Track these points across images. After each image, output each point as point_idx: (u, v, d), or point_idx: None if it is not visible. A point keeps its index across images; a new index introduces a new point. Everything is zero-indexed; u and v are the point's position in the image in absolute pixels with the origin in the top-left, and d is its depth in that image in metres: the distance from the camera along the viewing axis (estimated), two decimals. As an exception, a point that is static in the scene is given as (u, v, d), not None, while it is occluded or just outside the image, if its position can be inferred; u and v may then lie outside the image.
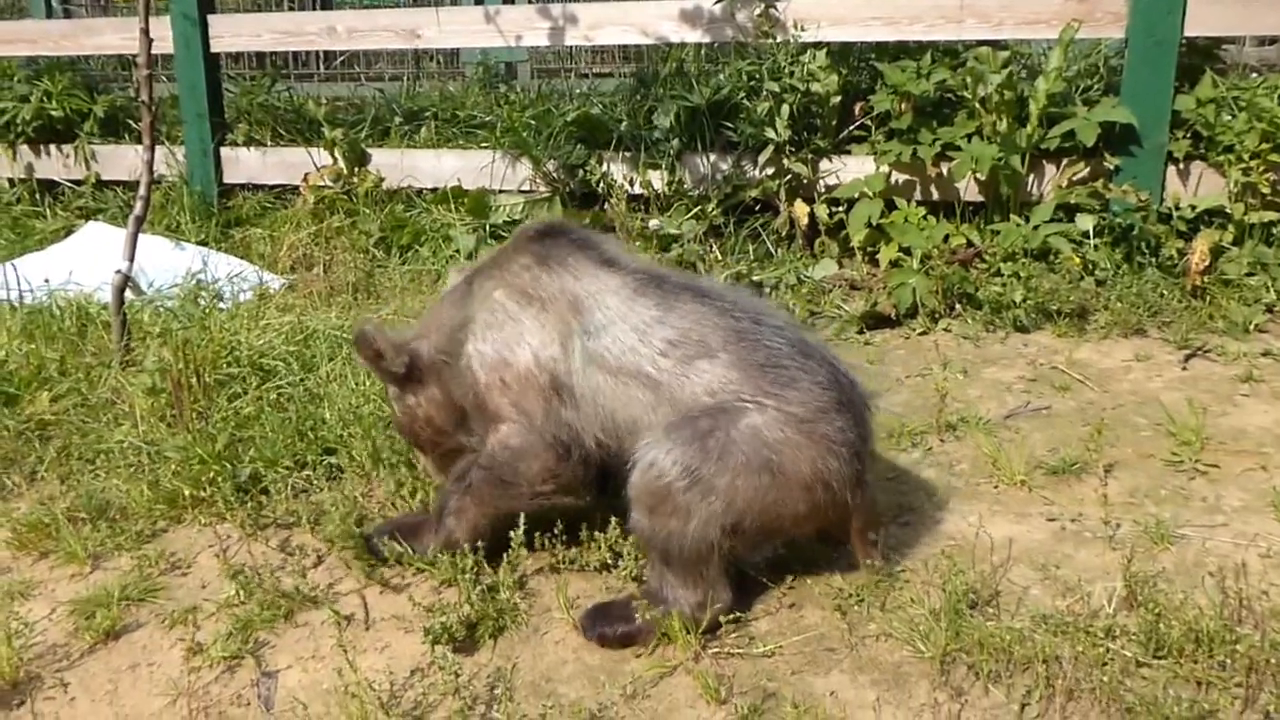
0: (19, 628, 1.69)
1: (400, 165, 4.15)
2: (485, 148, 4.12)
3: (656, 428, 1.66)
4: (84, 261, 3.64)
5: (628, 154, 3.85)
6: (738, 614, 1.65)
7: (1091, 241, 3.17)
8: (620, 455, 1.72)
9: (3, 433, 2.36)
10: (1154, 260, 3.14)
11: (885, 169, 3.48)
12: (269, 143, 4.45)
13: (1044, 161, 3.41)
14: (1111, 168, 3.30)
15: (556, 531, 1.84)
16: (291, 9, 7.39)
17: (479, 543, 1.78)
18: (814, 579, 1.80)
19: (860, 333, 3.04)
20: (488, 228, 3.83)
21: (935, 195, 3.53)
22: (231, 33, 4.37)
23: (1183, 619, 1.55)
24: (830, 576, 1.79)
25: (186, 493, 2.11)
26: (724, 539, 1.60)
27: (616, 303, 1.72)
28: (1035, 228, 3.17)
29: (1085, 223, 3.19)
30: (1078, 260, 3.07)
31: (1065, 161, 3.36)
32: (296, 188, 4.25)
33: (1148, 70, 3.25)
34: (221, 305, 3.23)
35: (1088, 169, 3.34)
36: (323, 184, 4.14)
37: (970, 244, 3.26)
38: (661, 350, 1.67)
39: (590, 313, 1.73)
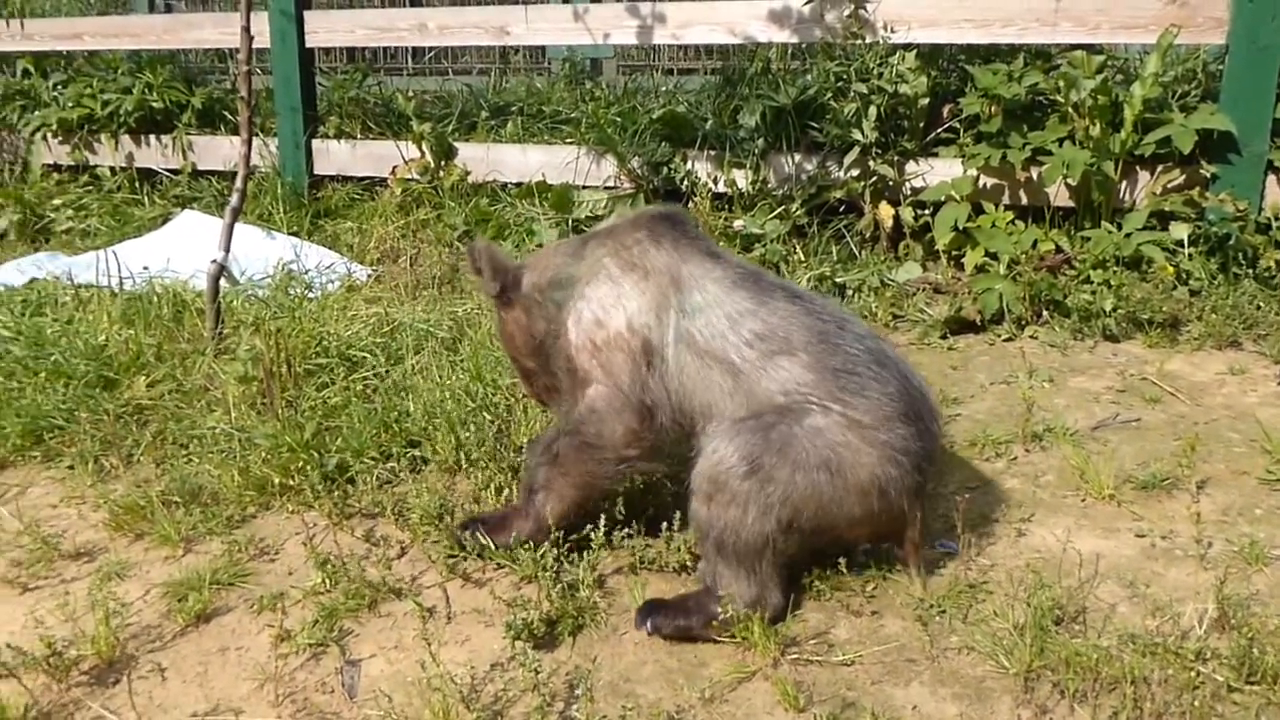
0: (116, 608, 1.75)
1: (486, 159, 4.21)
2: (570, 143, 4.15)
3: (727, 419, 1.69)
4: (179, 249, 3.77)
5: (712, 152, 3.84)
6: (820, 631, 1.65)
7: (1186, 251, 3.07)
8: (690, 439, 1.77)
9: (102, 416, 2.44)
10: (1251, 271, 3.03)
11: (973, 172, 3.41)
12: (359, 136, 4.55)
13: (1138, 168, 3.31)
14: (1208, 176, 3.19)
15: (636, 531, 1.86)
16: (383, 5, 7.54)
17: (562, 532, 1.81)
18: (895, 588, 1.77)
19: (943, 338, 2.98)
20: (571, 223, 3.86)
21: (1024, 200, 3.45)
22: (326, 28, 4.49)
23: (1277, 644, 1.50)
24: (911, 585, 1.77)
25: (275, 480, 2.16)
26: (778, 533, 1.62)
27: (715, 289, 1.76)
28: (1128, 235, 3.08)
29: (1180, 231, 3.08)
30: (1171, 269, 2.98)
31: (1160, 168, 3.26)
32: (384, 180, 4.34)
33: (1249, 77, 3.13)
34: (311, 295, 3.31)
35: (1183, 176, 3.23)
36: (410, 177, 4.22)
37: (1059, 250, 3.18)
38: (748, 341, 1.71)
39: (690, 292, 1.77)
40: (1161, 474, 2.09)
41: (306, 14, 4.44)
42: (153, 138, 4.90)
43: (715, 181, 3.77)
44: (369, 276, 3.63)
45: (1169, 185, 3.22)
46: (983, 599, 1.73)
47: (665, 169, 3.85)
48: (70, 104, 4.94)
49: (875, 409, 1.64)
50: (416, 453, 2.27)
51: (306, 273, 3.51)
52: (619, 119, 4.00)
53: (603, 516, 1.83)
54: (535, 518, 1.86)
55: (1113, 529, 1.95)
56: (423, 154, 4.24)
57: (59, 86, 5.10)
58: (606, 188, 4.00)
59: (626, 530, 1.87)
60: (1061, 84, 3.23)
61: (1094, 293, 2.95)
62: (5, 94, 5.18)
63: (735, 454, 1.62)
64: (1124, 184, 3.31)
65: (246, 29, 2.90)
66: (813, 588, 1.77)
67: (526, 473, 1.94)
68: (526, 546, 1.82)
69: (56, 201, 4.67)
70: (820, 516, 1.63)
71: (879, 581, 1.79)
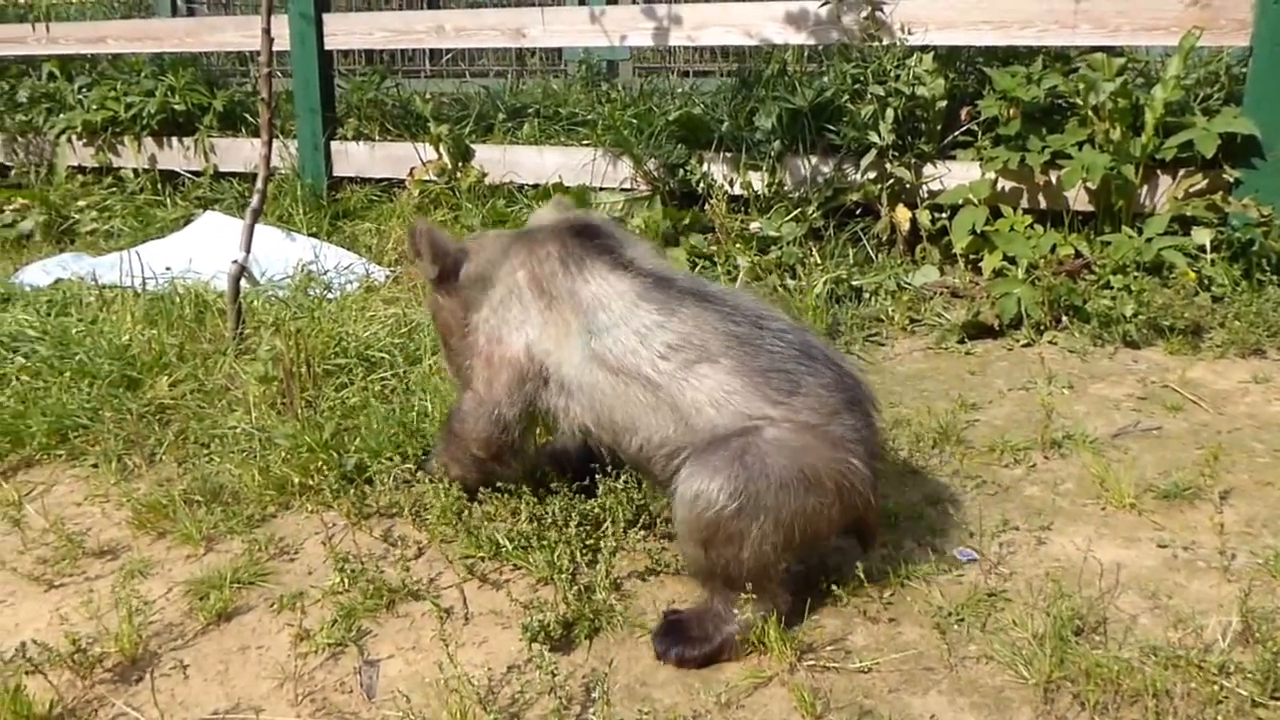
0: (139, 606, 1.77)
1: (503, 161, 4.21)
2: (587, 145, 4.15)
3: (666, 438, 1.71)
4: (201, 250, 3.79)
5: (728, 154, 3.84)
6: (837, 637, 1.64)
7: (1208, 256, 3.04)
8: (617, 450, 1.83)
9: (126, 415, 2.47)
10: (1275, 278, 3.00)
11: (991, 175, 3.39)
12: (377, 137, 4.57)
13: (1159, 172, 3.27)
14: (1231, 180, 3.15)
15: (654, 534, 1.86)
16: (400, 8, 7.56)
17: (576, 532, 1.85)
18: (912, 595, 1.76)
19: (961, 342, 2.96)
20: (587, 225, 3.86)
21: (1043, 204, 3.43)
22: (345, 31, 4.50)
23: (1304, 659, 1.48)
24: (929, 593, 1.76)
25: (295, 480, 2.17)
26: (777, 556, 1.62)
27: (621, 305, 1.79)
28: (1148, 240, 3.05)
29: (1202, 236, 3.05)
30: (1193, 275, 2.94)
31: (1182, 172, 3.23)
32: (402, 181, 4.36)
33: (1273, 79, 3.09)
34: (330, 296, 3.32)
35: (1205, 181, 3.20)
36: (428, 178, 4.23)
37: (1078, 255, 3.15)
38: (661, 354, 1.72)
39: (595, 313, 1.80)
40: (1183, 483, 2.07)
41: (325, 16, 4.45)
42: (175, 140, 4.94)
43: (731, 184, 3.77)
44: (387, 277, 3.64)
45: (1191, 189, 3.19)
46: (1002, 608, 1.71)
47: (681, 171, 3.85)
48: (94, 106, 4.98)
49: (817, 405, 1.65)
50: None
51: (326, 273, 3.52)
52: (635, 121, 3.99)
53: (619, 518, 1.83)
54: (443, 475, 2.04)
55: (1134, 539, 1.93)
56: (440, 156, 4.25)
57: (83, 89, 5.15)
58: (623, 190, 4.00)
59: (642, 532, 1.87)
60: (1081, 86, 3.21)
61: (1114, 298, 2.93)
62: (31, 97, 5.23)
63: (720, 493, 1.58)
64: (1145, 188, 3.28)
65: (267, 31, 2.91)
66: (830, 594, 1.75)
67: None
68: (537, 545, 1.87)
69: (81, 203, 4.71)
70: (811, 526, 1.63)
71: (896, 588, 1.78)
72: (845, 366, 1.75)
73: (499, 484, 1.98)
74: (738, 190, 3.75)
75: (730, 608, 1.64)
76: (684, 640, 1.65)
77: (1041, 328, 2.98)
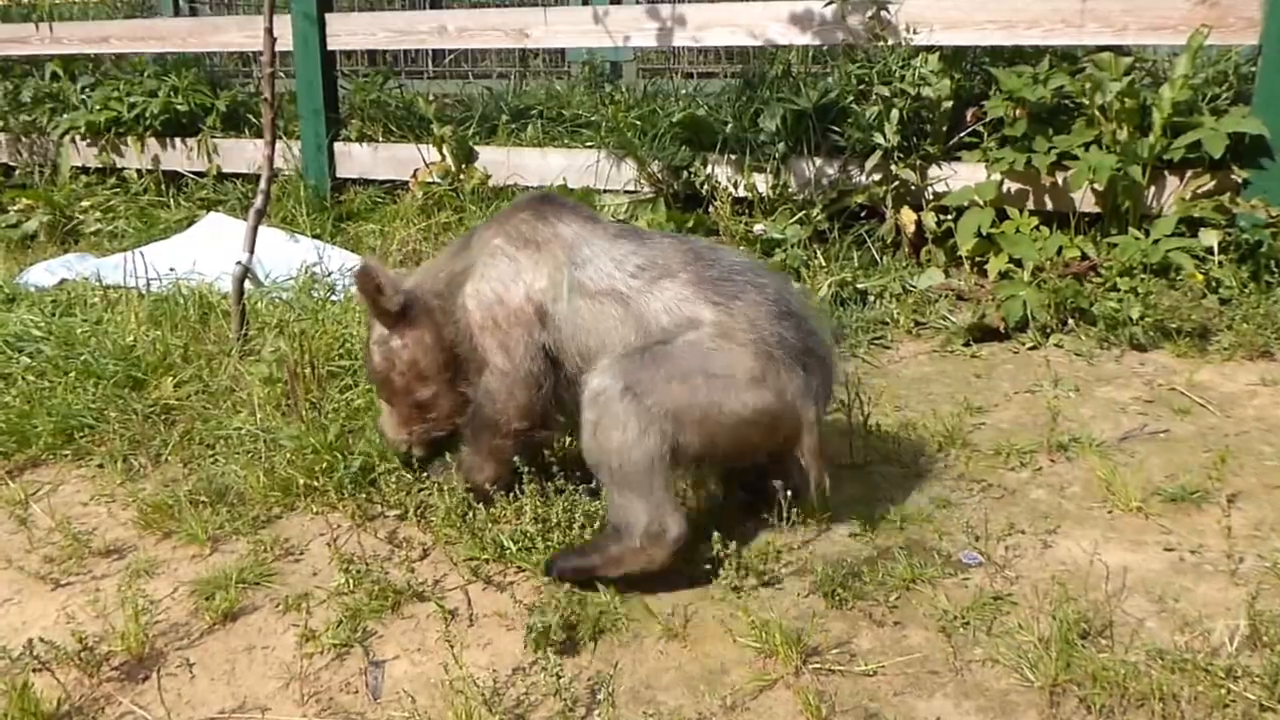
0: (146, 605, 1.79)
1: (507, 163, 4.22)
2: (590, 147, 4.16)
3: (619, 346, 1.82)
4: (204, 251, 3.81)
5: (733, 156, 3.84)
6: (842, 640, 1.64)
7: (1216, 258, 3.04)
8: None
9: (131, 416, 2.48)
10: (1284, 279, 2.99)
11: (997, 177, 3.39)
12: (380, 139, 4.58)
13: (1166, 173, 3.27)
14: (1240, 181, 3.16)
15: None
16: (403, 8, 7.58)
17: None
18: (918, 599, 1.77)
19: (966, 345, 2.97)
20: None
21: (1049, 205, 3.43)
22: (348, 31, 4.52)
23: (1312, 663, 1.48)
24: (935, 596, 1.76)
25: (300, 481, 2.18)
26: (664, 447, 1.68)
27: (601, 241, 1.92)
28: (1155, 242, 3.05)
29: (1209, 238, 3.05)
30: (1200, 277, 2.95)
31: (1190, 173, 3.23)
32: (406, 183, 4.37)
33: (1283, 78, 3.09)
34: (333, 298, 3.33)
35: (1214, 182, 3.20)
36: (431, 180, 4.25)
37: (1085, 256, 3.15)
38: (633, 273, 1.86)
39: (579, 248, 1.92)
40: (1191, 487, 2.07)
41: (328, 16, 4.47)
42: (178, 140, 4.96)
43: (735, 186, 3.77)
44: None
45: (1199, 190, 3.19)
46: (1007, 611, 1.72)
47: (685, 173, 3.86)
48: (98, 107, 5.01)
49: (750, 309, 1.75)
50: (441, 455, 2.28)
51: (329, 275, 3.53)
52: (639, 123, 4.00)
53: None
54: (476, 489, 2.02)
55: (1140, 542, 1.93)
56: (444, 157, 4.26)
57: (87, 90, 5.17)
58: (627, 191, 4.01)
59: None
60: (1088, 86, 3.21)
61: (1121, 300, 2.93)
62: (35, 97, 5.26)
63: (611, 379, 1.70)
64: (1152, 189, 3.28)
65: (269, 31, 2.92)
66: (834, 595, 1.77)
67: (461, 454, 2.09)
68: (541, 547, 1.88)
69: (85, 203, 4.73)
70: (705, 422, 1.68)
71: (902, 592, 1.79)
72: (791, 292, 1.86)
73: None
74: (742, 192, 3.76)
75: (615, 519, 1.73)
76: (564, 557, 1.78)
77: (1048, 330, 2.98)
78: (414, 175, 4.31)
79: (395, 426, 2.15)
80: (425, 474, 2.17)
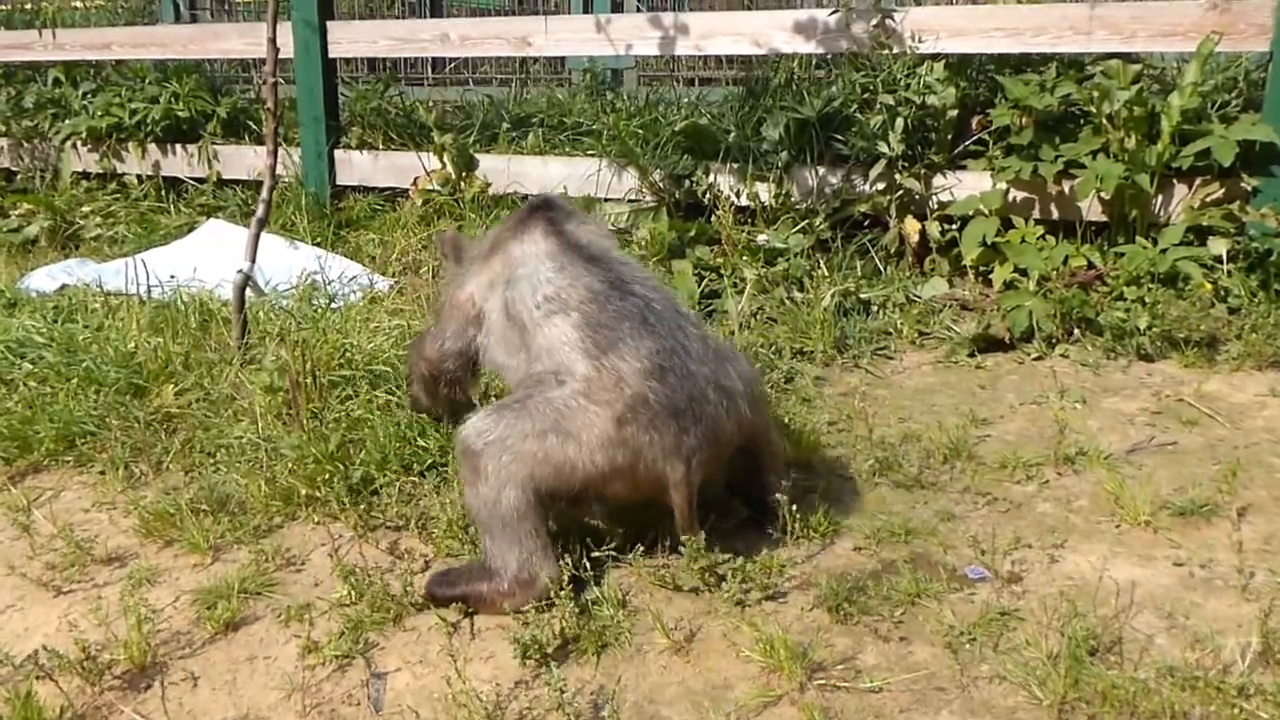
0: (148, 614, 1.79)
1: (507, 171, 4.22)
2: (591, 155, 4.15)
3: (511, 376, 2.02)
4: (204, 257, 3.82)
5: (735, 165, 3.84)
6: (847, 656, 1.63)
7: (1225, 267, 3.03)
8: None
9: (133, 423, 2.49)
10: (1293, 289, 2.98)
11: (1003, 186, 3.39)
12: (381, 146, 4.58)
13: (1174, 181, 3.27)
14: (1249, 189, 3.15)
15: (660, 549, 1.86)
16: (401, 14, 7.60)
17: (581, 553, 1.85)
18: (923, 614, 1.76)
19: (971, 355, 2.96)
20: (592, 236, 3.86)
21: (1055, 214, 3.43)
22: (349, 39, 4.52)
23: (1325, 680, 1.48)
24: (940, 611, 1.76)
25: (301, 491, 2.19)
26: (524, 499, 1.76)
27: (534, 262, 2.01)
28: (1163, 251, 3.05)
29: (1218, 247, 3.04)
30: (1209, 286, 2.94)
31: (1198, 181, 3.22)
32: (406, 191, 4.37)
33: (1293, 86, 3.08)
34: (334, 306, 3.34)
35: (1223, 190, 3.19)
36: (431, 188, 4.25)
37: (1091, 265, 3.15)
38: (539, 304, 1.93)
39: (517, 268, 2.04)
40: (1200, 500, 2.06)
41: (330, 24, 4.47)
42: (179, 146, 4.96)
43: (738, 195, 3.77)
44: (391, 288, 3.65)
45: (1207, 199, 3.18)
46: (1014, 627, 1.71)
47: (687, 182, 3.85)
48: (99, 113, 5.02)
49: (623, 363, 1.77)
50: (442, 466, 2.29)
51: (330, 284, 3.53)
52: (641, 131, 4.00)
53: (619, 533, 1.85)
54: (411, 397, 2.43)
55: (1149, 556, 1.92)
56: (444, 165, 4.26)
57: (88, 95, 5.18)
58: (629, 200, 4.00)
59: (658, 549, 1.89)
60: (1096, 94, 3.20)
61: (1128, 310, 2.92)
62: (37, 102, 5.27)
63: (475, 434, 1.79)
64: (1160, 197, 3.27)
65: (273, 40, 2.93)
66: (839, 610, 1.76)
67: None
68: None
69: (86, 208, 4.75)
70: (560, 477, 1.76)
71: (907, 607, 1.78)
72: (685, 339, 1.84)
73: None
74: (744, 201, 3.76)
75: (492, 561, 1.79)
76: (444, 583, 1.85)
77: (1053, 341, 2.98)
78: (414, 183, 4.32)
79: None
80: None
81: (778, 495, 1.91)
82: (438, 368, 2.23)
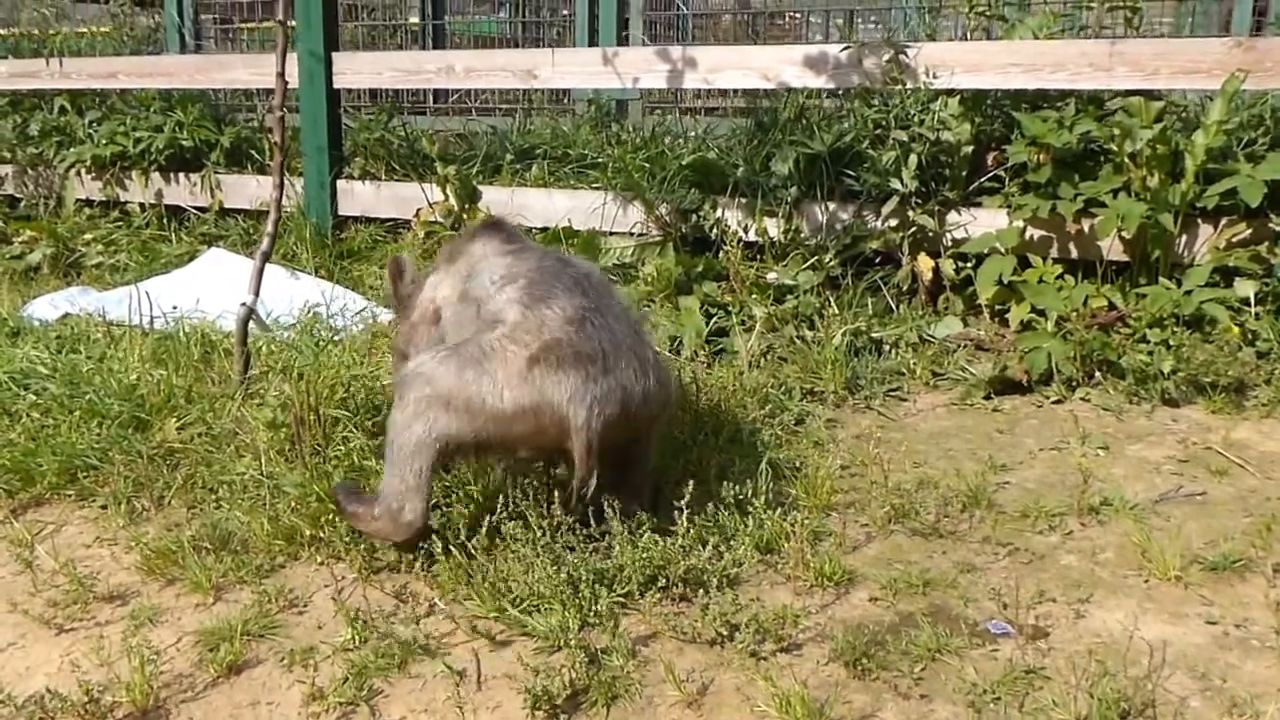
0: (150, 655, 1.76)
1: (510, 203, 4.23)
2: (597, 188, 4.16)
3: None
4: (206, 287, 3.83)
5: (743, 200, 3.84)
6: (865, 713, 1.60)
7: (1253, 310, 3.01)
8: None
9: (135, 457, 2.48)
10: (1325, 334, 2.96)
11: (1020, 223, 3.38)
12: (383, 177, 4.61)
13: (1199, 221, 3.25)
14: (1277, 230, 3.14)
15: (672, 597, 1.84)
16: (403, 43, 7.68)
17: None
18: (945, 670, 1.73)
19: (987, 398, 2.94)
20: (598, 270, 3.87)
21: (1074, 253, 3.42)
22: (354, 70, 4.56)
23: (1367, 747, 1.45)
24: (962, 668, 1.73)
25: (305, 531, 2.17)
26: (431, 434, 1.93)
27: (493, 258, 2.25)
28: (1188, 292, 3.03)
29: (1245, 289, 3.03)
30: (1236, 330, 2.91)
31: (1224, 221, 3.21)
32: (408, 222, 4.38)
33: (1323, 124, 3.08)
34: (337, 338, 3.33)
35: (1250, 230, 3.17)
36: (434, 219, 4.26)
37: (1112, 306, 3.13)
38: (494, 281, 2.13)
39: (475, 264, 2.27)
40: (1232, 555, 2.02)
41: (335, 55, 4.50)
42: (182, 175, 5.00)
43: (746, 230, 3.77)
44: (392, 321, 3.65)
45: (1234, 239, 3.17)
46: (1040, 686, 1.68)
47: (694, 216, 3.85)
48: (104, 141, 5.07)
49: (550, 311, 1.95)
50: (443, 507, 2.26)
51: (333, 317, 3.53)
52: (647, 164, 4.00)
53: (635, 578, 1.86)
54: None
55: (1180, 614, 1.89)
56: (447, 197, 4.27)
57: (93, 124, 5.24)
58: (633, 234, 4.00)
59: (659, 594, 1.87)
60: (1118, 132, 3.19)
61: (1151, 353, 2.90)
62: (42, 130, 5.34)
63: (413, 364, 2.01)
64: (1184, 237, 3.26)
65: (281, 74, 2.94)
66: (857, 665, 1.73)
67: None
68: (546, 608, 1.89)
69: (88, 236, 4.79)
70: (469, 413, 1.90)
71: (927, 663, 1.75)
72: (610, 305, 2.05)
73: (514, 545, 1.98)
74: (753, 236, 3.75)
75: (381, 489, 1.99)
76: (345, 492, 2.12)
77: (1073, 384, 2.96)
78: (416, 214, 4.33)
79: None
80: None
81: (637, 506, 2.03)
82: (403, 351, 2.44)
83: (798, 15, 8.15)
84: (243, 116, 5.82)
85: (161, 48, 7.03)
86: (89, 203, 5.18)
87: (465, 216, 4.22)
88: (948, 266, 3.45)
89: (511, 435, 1.95)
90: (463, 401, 1.91)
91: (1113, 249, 3.32)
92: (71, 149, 5.17)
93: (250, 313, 2.95)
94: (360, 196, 4.58)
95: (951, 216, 3.55)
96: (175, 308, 3.52)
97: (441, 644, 1.85)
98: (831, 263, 3.59)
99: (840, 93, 4.13)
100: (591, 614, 1.83)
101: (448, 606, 1.95)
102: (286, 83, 2.96)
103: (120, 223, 5.00)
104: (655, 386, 2.00)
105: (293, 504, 2.24)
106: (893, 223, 3.58)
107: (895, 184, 3.50)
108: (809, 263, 3.61)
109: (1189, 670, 1.72)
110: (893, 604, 1.94)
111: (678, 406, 2.40)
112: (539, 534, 1.98)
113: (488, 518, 2.01)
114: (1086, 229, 3.34)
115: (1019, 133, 3.47)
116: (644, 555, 1.93)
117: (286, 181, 4.55)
